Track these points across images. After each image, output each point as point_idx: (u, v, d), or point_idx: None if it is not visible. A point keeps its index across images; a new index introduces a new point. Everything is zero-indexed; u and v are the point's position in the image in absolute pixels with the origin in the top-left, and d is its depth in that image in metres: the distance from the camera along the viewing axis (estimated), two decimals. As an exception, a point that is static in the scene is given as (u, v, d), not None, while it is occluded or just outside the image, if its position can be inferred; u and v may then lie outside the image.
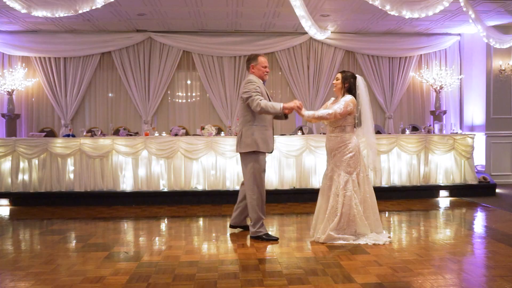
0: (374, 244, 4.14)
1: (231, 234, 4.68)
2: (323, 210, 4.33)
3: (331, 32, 8.80)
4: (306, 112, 4.36)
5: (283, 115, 4.53)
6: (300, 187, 6.89)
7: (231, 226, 4.79)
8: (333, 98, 4.60)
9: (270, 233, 4.49)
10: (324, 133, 7.24)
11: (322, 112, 4.34)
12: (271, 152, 4.54)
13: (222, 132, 7.56)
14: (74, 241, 4.56)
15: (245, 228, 4.74)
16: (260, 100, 4.23)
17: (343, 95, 4.38)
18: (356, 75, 4.45)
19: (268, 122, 4.44)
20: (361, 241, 4.18)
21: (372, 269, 3.44)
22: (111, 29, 8.73)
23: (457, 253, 3.89)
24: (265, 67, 4.52)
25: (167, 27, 8.72)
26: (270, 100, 4.48)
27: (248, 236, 4.50)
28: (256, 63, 4.48)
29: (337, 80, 4.44)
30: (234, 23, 8.49)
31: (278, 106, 4.24)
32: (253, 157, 4.37)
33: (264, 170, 4.46)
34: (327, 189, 4.35)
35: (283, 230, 4.91)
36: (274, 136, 6.80)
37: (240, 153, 4.47)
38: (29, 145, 6.74)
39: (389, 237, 4.37)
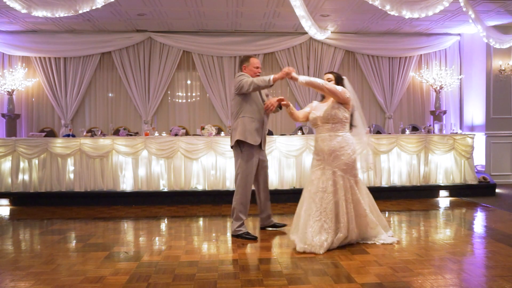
0: (382, 244, 4.13)
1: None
2: (303, 214, 4.05)
3: (331, 32, 8.81)
4: (301, 77, 4.05)
5: (277, 108, 4.51)
6: (300, 187, 6.88)
7: (261, 229, 4.90)
8: (315, 102, 4.41)
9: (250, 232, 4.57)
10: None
11: (319, 80, 4.04)
12: (260, 147, 4.56)
13: (222, 132, 7.56)
14: (74, 241, 4.56)
15: (274, 226, 4.85)
16: (249, 78, 4.32)
17: None
18: (343, 76, 4.29)
19: (256, 115, 4.46)
20: (369, 241, 4.18)
21: (372, 269, 3.44)
22: (111, 29, 8.73)
23: (457, 253, 3.89)
24: (257, 67, 4.58)
25: (167, 27, 8.72)
26: (264, 101, 4.59)
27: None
28: (248, 64, 4.56)
29: (329, 80, 4.20)
30: (234, 23, 8.49)
31: (267, 78, 4.21)
32: (243, 153, 4.44)
33: (253, 170, 4.49)
34: (321, 192, 4.02)
35: (283, 230, 4.90)
36: (274, 136, 6.95)
37: (232, 148, 4.56)
38: (29, 145, 6.74)
39: (392, 235, 4.38)
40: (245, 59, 4.59)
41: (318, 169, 4.13)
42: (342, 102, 4.11)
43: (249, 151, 4.45)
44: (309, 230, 3.94)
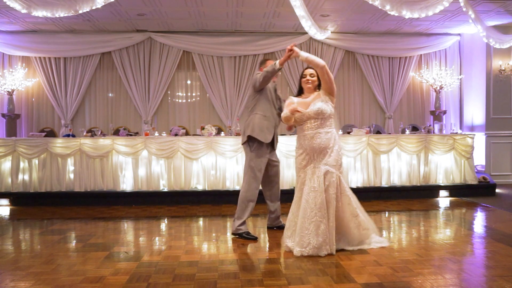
0: (381, 248, 4.05)
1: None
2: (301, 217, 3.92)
3: (331, 32, 8.81)
4: (302, 52, 3.97)
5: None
6: (300, 187, 6.89)
7: (268, 228, 4.95)
8: (294, 98, 4.15)
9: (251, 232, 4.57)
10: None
11: (321, 60, 3.93)
12: (272, 147, 4.59)
13: (222, 132, 7.56)
14: (74, 241, 4.56)
15: (280, 228, 4.78)
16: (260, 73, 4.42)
17: (315, 92, 4.09)
18: None
19: (269, 114, 4.50)
20: (365, 246, 4.03)
21: (372, 269, 3.44)
22: (111, 29, 8.73)
23: (457, 253, 3.89)
24: None
25: (167, 27, 8.72)
26: (279, 101, 4.66)
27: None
28: (264, 66, 4.65)
29: (313, 76, 4.04)
30: (234, 23, 8.49)
31: (273, 63, 4.29)
32: (252, 151, 4.45)
33: (262, 169, 4.48)
34: (311, 192, 3.91)
35: (283, 230, 4.90)
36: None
37: (243, 146, 4.58)
38: (29, 145, 6.74)
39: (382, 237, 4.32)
40: (262, 62, 4.76)
41: (308, 168, 4.00)
42: (331, 92, 3.99)
43: (258, 149, 4.45)
44: (305, 232, 3.84)
